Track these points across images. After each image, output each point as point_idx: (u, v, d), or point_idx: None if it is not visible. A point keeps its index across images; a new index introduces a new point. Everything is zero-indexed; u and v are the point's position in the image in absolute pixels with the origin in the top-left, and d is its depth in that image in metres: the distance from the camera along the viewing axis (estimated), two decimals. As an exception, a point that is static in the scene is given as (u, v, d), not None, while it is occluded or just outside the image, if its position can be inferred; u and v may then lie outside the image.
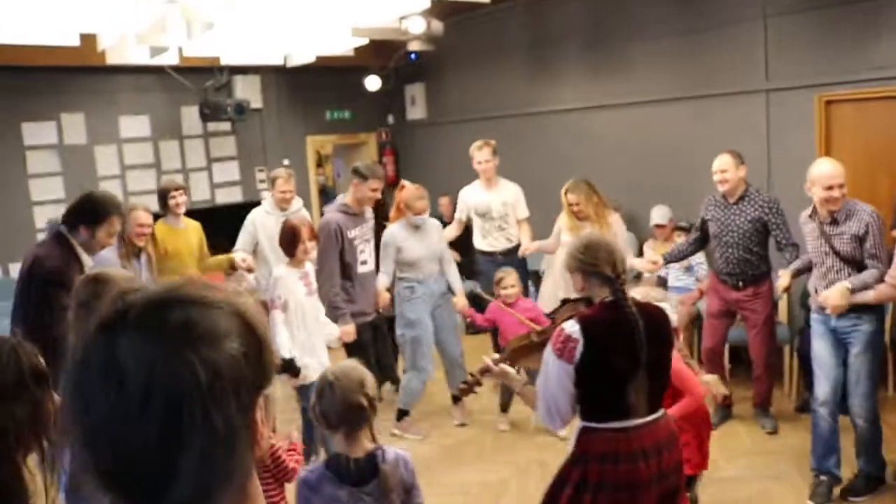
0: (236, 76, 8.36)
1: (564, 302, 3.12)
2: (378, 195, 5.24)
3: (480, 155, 6.20)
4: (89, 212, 3.83)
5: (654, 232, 6.58)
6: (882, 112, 5.61)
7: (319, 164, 10.38)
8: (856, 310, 4.00)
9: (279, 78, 8.75)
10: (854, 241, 4.04)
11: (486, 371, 3.15)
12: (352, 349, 4.90)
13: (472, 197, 6.32)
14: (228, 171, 8.71)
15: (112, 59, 6.54)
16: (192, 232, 5.65)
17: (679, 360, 3.38)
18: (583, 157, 7.31)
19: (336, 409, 2.49)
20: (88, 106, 7.76)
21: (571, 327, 2.69)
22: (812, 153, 5.87)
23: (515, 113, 8.07)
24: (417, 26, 6.21)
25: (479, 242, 6.34)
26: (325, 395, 2.51)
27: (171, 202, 5.58)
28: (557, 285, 5.59)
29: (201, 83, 7.85)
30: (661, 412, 2.79)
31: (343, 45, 7.06)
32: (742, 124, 6.20)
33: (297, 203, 6.19)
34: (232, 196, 8.68)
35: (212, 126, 8.39)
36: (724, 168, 4.97)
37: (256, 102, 8.63)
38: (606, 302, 2.77)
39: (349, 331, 4.97)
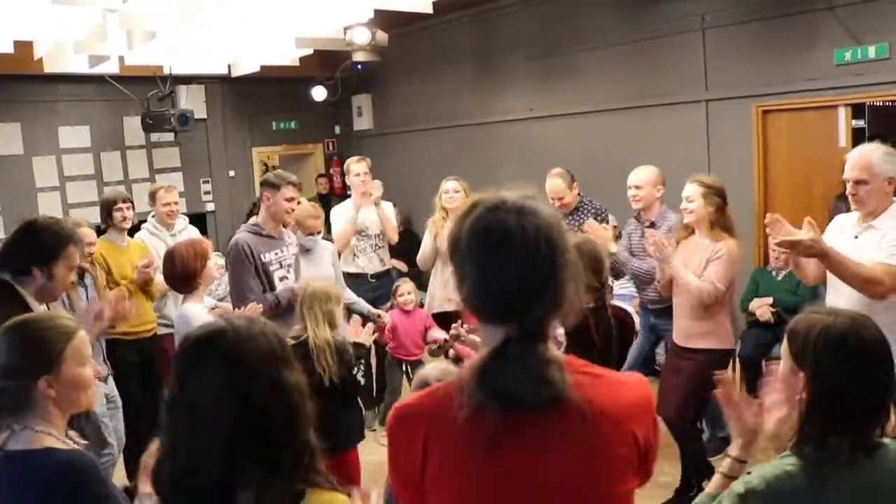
0: (180, 86, 8.24)
1: None
2: (295, 205, 4.47)
3: (358, 167, 5.84)
4: (40, 247, 3.01)
5: (599, 240, 6.67)
6: (815, 121, 5.79)
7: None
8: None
9: (224, 88, 8.66)
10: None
11: (457, 338, 3.21)
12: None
13: (347, 213, 5.87)
14: (172, 183, 8.52)
15: (50, 68, 6.40)
16: (136, 252, 5.00)
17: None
18: (529, 166, 7.34)
19: None
20: (25, 115, 7.58)
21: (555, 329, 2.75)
22: (750, 161, 6.04)
23: (462, 123, 8.11)
24: (362, 37, 6.20)
25: (349, 265, 5.80)
26: None
27: (117, 215, 4.96)
28: (447, 285, 5.52)
29: (144, 93, 7.72)
30: None
31: (287, 54, 7.03)
32: (683, 133, 6.33)
33: (183, 221, 5.68)
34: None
35: (155, 137, 8.25)
36: (560, 194, 5.13)
37: (201, 113, 8.52)
38: (588, 308, 2.80)
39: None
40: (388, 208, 6.16)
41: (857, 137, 6.38)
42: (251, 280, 4.15)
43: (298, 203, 4.44)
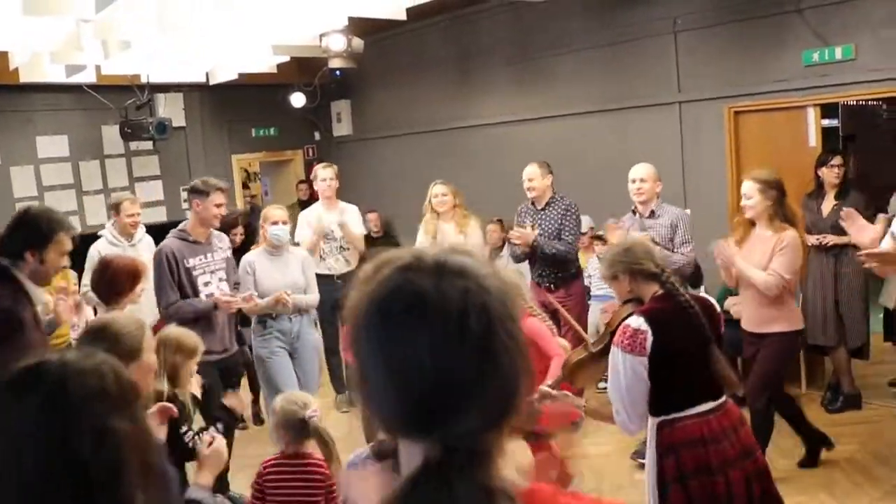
0: (158, 94, 8.26)
1: None
2: (223, 210, 4.62)
3: (325, 173, 6.02)
4: (33, 233, 3.24)
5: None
6: (785, 122, 5.89)
7: (245, 185, 10.27)
8: None
9: (203, 96, 8.67)
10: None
11: (545, 398, 3.03)
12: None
13: (314, 218, 6.03)
14: (152, 191, 8.58)
15: (26, 78, 6.41)
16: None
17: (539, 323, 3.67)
18: (506, 169, 7.41)
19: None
20: (1, 126, 7.56)
21: (636, 322, 2.76)
22: (722, 162, 6.13)
23: (440, 128, 8.17)
24: (337, 44, 6.23)
25: (316, 266, 5.82)
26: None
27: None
28: None
29: (121, 101, 7.73)
30: (725, 395, 2.88)
31: (265, 62, 7.06)
32: (657, 135, 6.42)
33: (141, 231, 5.65)
34: (157, 216, 8.52)
35: (134, 145, 8.25)
36: (531, 177, 5.39)
37: (180, 121, 8.54)
38: (658, 295, 2.87)
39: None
40: (353, 212, 6.26)
41: (828, 137, 6.50)
42: (168, 287, 4.32)
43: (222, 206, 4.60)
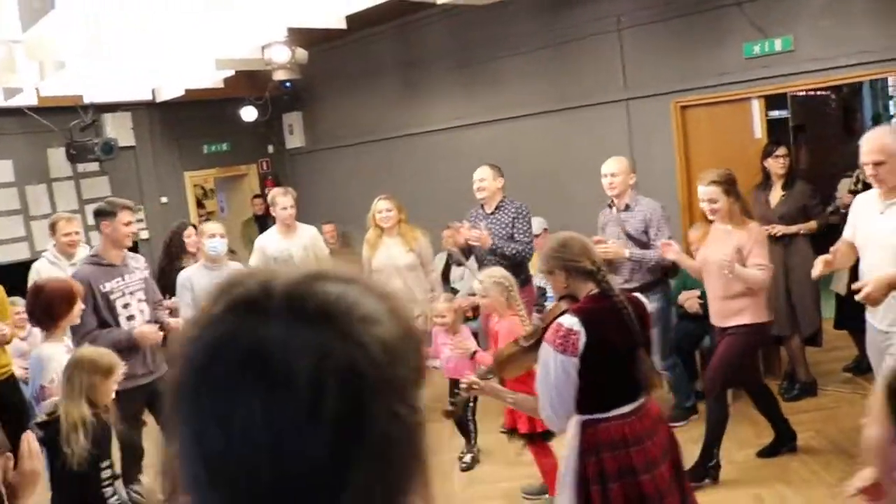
0: (105, 114, 8.12)
1: None
2: (133, 228, 4.50)
3: (284, 200, 5.81)
4: None
5: (531, 243, 6.72)
6: (730, 114, 5.93)
7: (201, 204, 10.13)
8: (643, 289, 4.42)
9: (151, 114, 8.55)
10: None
11: (470, 388, 3.15)
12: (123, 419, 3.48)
13: (270, 245, 5.84)
14: (103, 212, 8.41)
15: (-37, 103, 6.28)
16: None
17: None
18: (456, 174, 7.38)
19: None
20: (-58, 152, 7.40)
21: (569, 321, 2.74)
22: (672, 156, 6.16)
23: (389, 136, 8.15)
24: (281, 55, 6.17)
25: None
26: None
27: None
28: None
29: (66, 123, 7.58)
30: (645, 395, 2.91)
31: (210, 77, 6.98)
32: (606, 133, 6.43)
33: (84, 250, 5.41)
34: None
35: (81, 167, 8.10)
36: (482, 178, 5.38)
37: (129, 140, 8.40)
38: (593, 294, 2.86)
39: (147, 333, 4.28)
40: (315, 237, 6.13)
41: (777, 128, 6.56)
42: (86, 315, 4.13)
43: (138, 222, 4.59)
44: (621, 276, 4.97)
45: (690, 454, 4.12)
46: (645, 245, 4.97)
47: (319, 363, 0.64)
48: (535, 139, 6.93)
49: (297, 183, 9.39)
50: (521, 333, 3.75)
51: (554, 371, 2.74)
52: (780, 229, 5.37)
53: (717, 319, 4.40)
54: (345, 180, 8.69)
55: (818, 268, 3.80)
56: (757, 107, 5.83)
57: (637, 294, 3.16)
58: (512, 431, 4.17)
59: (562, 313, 2.84)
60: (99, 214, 4.44)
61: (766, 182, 5.55)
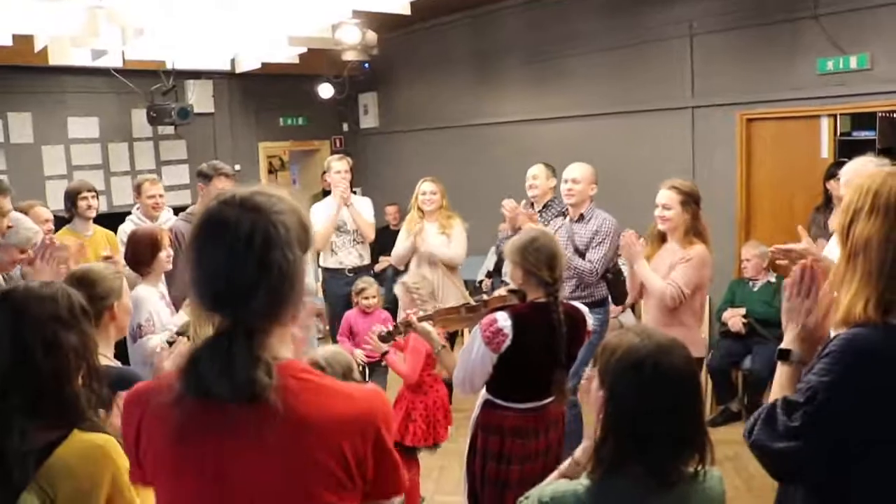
0: (188, 81, 8.43)
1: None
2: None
3: (339, 165, 5.98)
4: None
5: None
6: (798, 131, 5.72)
7: (272, 171, 10.42)
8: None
9: (231, 83, 8.81)
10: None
11: (407, 324, 3.38)
12: None
13: (326, 211, 6.01)
14: (178, 175, 8.76)
15: (54, 60, 6.59)
16: (101, 241, 5.17)
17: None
18: (520, 168, 7.36)
19: None
20: (35, 105, 7.81)
21: (504, 321, 2.90)
22: (734, 169, 6.00)
23: (458, 124, 8.18)
24: (351, 36, 6.26)
25: (328, 260, 6.05)
26: None
27: (82, 204, 5.18)
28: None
29: (149, 86, 7.91)
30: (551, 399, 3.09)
31: (284, 52, 7.14)
32: (669, 139, 6.31)
33: (168, 213, 5.72)
34: (181, 199, 8.69)
35: (161, 129, 8.44)
36: (536, 176, 5.32)
37: (209, 107, 8.70)
38: (539, 303, 2.99)
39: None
40: (366, 204, 6.24)
41: (843, 148, 6.28)
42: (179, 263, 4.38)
43: None
44: (566, 289, 4.66)
45: None
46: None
47: (252, 227, 1.29)
48: (599, 140, 6.85)
49: (368, 162, 9.56)
50: (423, 347, 4.03)
51: (475, 354, 2.95)
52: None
53: None
54: (413, 164, 8.77)
55: None
56: (826, 125, 5.61)
57: (580, 306, 3.21)
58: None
59: (504, 307, 3.00)
60: (199, 175, 4.86)
61: (826, 204, 5.36)
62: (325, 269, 6.10)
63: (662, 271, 3.97)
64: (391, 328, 3.56)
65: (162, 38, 6.06)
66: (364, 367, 5.24)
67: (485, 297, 3.26)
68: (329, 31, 6.41)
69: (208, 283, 1.31)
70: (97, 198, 5.26)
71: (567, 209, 5.18)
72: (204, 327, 3.03)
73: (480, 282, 7.19)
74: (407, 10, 5.42)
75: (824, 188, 5.35)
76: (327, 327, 6.44)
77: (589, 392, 1.80)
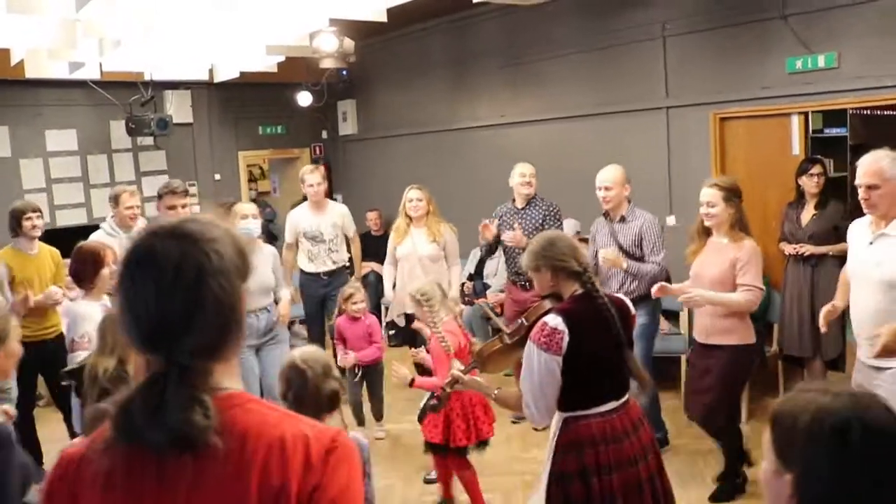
0: (166, 91, 8.46)
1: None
2: (178, 211, 4.98)
3: (312, 178, 6.12)
4: None
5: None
6: (769, 129, 5.83)
7: (252, 180, 10.44)
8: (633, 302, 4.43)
9: (210, 93, 8.84)
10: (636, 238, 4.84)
11: (455, 383, 3.21)
12: None
13: (301, 221, 6.23)
14: (158, 186, 8.73)
15: (31, 73, 6.59)
16: (46, 259, 5.26)
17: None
18: (497, 171, 7.45)
19: (310, 395, 2.55)
20: (12, 119, 7.81)
21: (554, 320, 2.78)
22: (708, 167, 6.09)
23: (437, 129, 8.26)
24: (328, 45, 6.32)
25: (305, 265, 6.26)
26: (295, 380, 2.58)
27: (26, 224, 5.17)
28: (405, 288, 5.73)
29: (127, 98, 7.92)
30: (628, 394, 2.96)
31: (262, 61, 7.18)
32: (645, 139, 6.40)
33: (142, 223, 5.64)
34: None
35: (140, 140, 8.45)
36: (532, 174, 5.60)
37: (188, 117, 8.72)
38: (578, 294, 2.90)
39: None
40: (345, 215, 6.41)
41: (815, 145, 6.41)
42: None
43: (184, 206, 5.13)
44: (610, 288, 4.83)
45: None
46: (638, 258, 4.87)
47: (181, 257, 1.20)
48: (576, 142, 6.95)
49: (348, 169, 9.62)
50: (443, 354, 3.98)
51: (538, 369, 2.78)
52: (808, 249, 5.28)
53: (701, 335, 4.27)
54: (392, 169, 8.85)
55: (823, 322, 3.71)
56: (797, 123, 5.73)
57: (620, 296, 3.17)
58: (432, 446, 4.26)
59: (546, 312, 2.87)
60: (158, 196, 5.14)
61: (799, 200, 5.46)
62: (303, 273, 6.32)
63: (713, 266, 4.15)
64: (438, 396, 3.43)
65: (139, 50, 6.09)
66: (359, 370, 5.36)
67: (521, 320, 3.10)
68: (306, 39, 6.45)
69: (137, 323, 1.21)
70: (41, 217, 5.29)
71: (554, 205, 5.62)
72: (104, 361, 3.14)
73: (462, 285, 7.25)
74: (384, 18, 5.49)
75: (796, 184, 5.44)
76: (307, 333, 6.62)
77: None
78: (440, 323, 4.23)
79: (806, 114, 5.73)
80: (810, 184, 5.36)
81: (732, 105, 5.90)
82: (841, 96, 5.34)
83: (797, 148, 5.75)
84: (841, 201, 5.50)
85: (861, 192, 3.44)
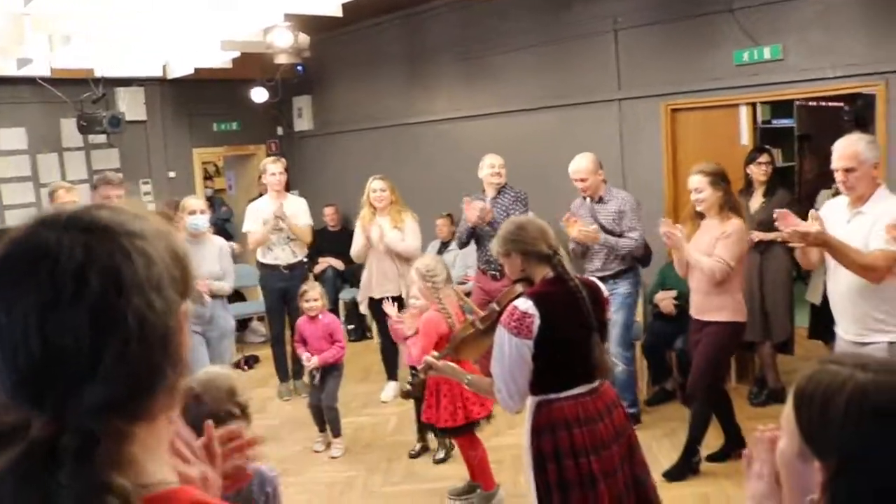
0: (119, 88, 8.33)
1: None
2: (112, 202, 4.89)
3: (273, 167, 6.31)
4: None
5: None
6: (719, 119, 5.98)
7: (207, 177, 10.35)
8: (616, 276, 4.94)
9: (163, 90, 8.74)
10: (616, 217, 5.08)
11: (429, 368, 3.20)
12: None
13: (263, 210, 6.31)
14: (111, 184, 8.63)
15: (-23, 70, 6.49)
16: None
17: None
18: (454, 164, 7.53)
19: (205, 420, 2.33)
20: (-42, 118, 7.64)
21: (524, 304, 2.78)
22: (661, 157, 6.23)
23: (393, 123, 8.28)
24: (282, 40, 6.30)
25: (265, 256, 6.30)
26: (191, 408, 2.23)
27: None
28: (386, 275, 5.88)
29: (78, 95, 7.78)
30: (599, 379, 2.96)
31: (217, 57, 7.13)
32: (598, 131, 6.51)
33: None
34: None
35: (92, 139, 8.31)
36: (501, 164, 5.72)
37: (140, 115, 8.61)
38: (549, 278, 2.90)
39: None
40: (302, 206, 6.42)
41: (764, 136, 6.59)
42: None
43: (118, 197, 4.91)
44: (594, 265, 5.14)
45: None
46: (618, 235, 5.12)
47: (85, 257, 0.79)
48: (530, 134, 7.03)
49: (304, 165, 9.58)
50: (439, 328, 3.99)
51: (509, 354, 2.79)
52: (757, 236, 5.42)
53: (696, 312, 4.50)
54: (349, 164, 8.85)
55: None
56: (745, 113, 5.88)
57: (593, 278, 3.21)
58: (432, 428, 4.30)
59: (517, 296, 2.87)
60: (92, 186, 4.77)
61: (747, 188, 5.60)
62: (262, 265, 6.36)
63: (703, 246, 4.35)
64: (413, 382, 3.48)
65: (90, 46, 6.02)
66: (317, 372, 5.28)
67: (493, 305, 3.09)
68: (261, 34, 6.43)
69: (11, 357, 0.78)
70: None
71: (522, 192, 5.81)
72: None
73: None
74: (339, 12, 5.50)
75: (745, 173, 5.59)
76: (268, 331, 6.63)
77: (755, 466, 1.31)
78: (445, 299, 4.24)
79: (754, 105, 5.90)
80: (758, 172, 5.51)
81: (683, 97, 6.04)
82: (786, 87, 5.50)
83: (745, 138, 5.91)
84: (788, 190, 5.66)
85: (839, 176, 3.57)
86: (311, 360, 5.12)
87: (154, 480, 0.83)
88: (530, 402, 2.91)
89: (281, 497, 2.30)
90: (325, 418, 5.32)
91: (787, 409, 1.15)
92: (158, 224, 0.89)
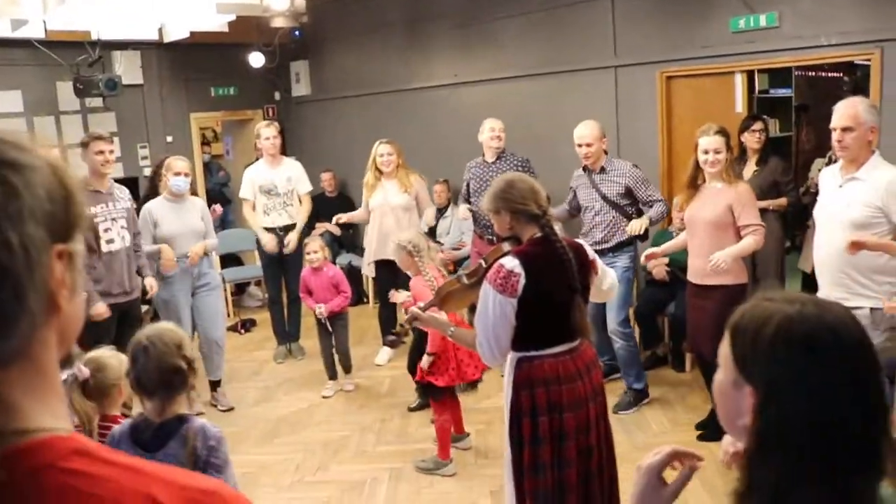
0: (115, 52, 8.31)
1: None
2: (106, 156, 4.85)
3: (267, 131, 6.35)
4: None
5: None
6: (714, 87, 5.98)
7: (206, 143, 10.34)
8: (615, 249, 5.11)
9: (160, 54, 8.70)
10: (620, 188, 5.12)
11: (414, 319, 3.25)
12: (90, 332, 3.68)
13: (258, 175, 6.42)
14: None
15: (-28, 32, 6.48)
16: None
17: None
18: (453, 129, 7.55)
19: (151, 375, 2.34)
20: (-46, 80, 7.62)
21: (511, 263, 2.82)
22: (656, 125, 6.24)
23: (391, 89, 8.26)
24: (279, 3, 6.29)
25: (263, 220, 6.39)
26: (139, 359, 2.37)
27: None
28: (387, 238, 5.85)
29: (74, 58, 7.76)
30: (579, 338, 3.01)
31: (214, 20, 7.11)
32: (594, 98, 6.51)
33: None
34: (113, 172, 8.61)
35: (89, 102, 8.30)
36: (502, 128, 5.80)
37: (137, 78, 8.58)
38: (536, 238, 2.92)
39: (100, 311, 4.61)
40: (297, 168, 6.58)
41: (762, 105, 6.59)
42: None
43: (111, 152, 4.89)
44: (594, 237, 5.16)
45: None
46: (621, 207, 5.16)
47: None
48: (528, 100, 7.03)
49: (302, 130, 9.58)
50: (426, 294, 4.01)
51: (492, 310, 2.83)
52: (749, 203, 5.47)
53: (697, 278, 4.42)
54: (347, 130, 8.85)
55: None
56: (740, 81, 5.88)
57: (579, 241, 3.23)
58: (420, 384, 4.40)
59: (504, 254, 2.91)
60: (80, 145, 4.93)
61: (741, 156, 5.63)
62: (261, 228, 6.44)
63: (708, 209, 4.31)
64: (397, 332, 3.58)
65: (85, 8, 6.01)
66: (325, 321, 5.52)
67: (480, 262, 3.12)
68: (256, -3, 6.42)
69: None
70: None
71: (524, 159, 5.87)
72: None
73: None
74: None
75: (739, 141, 5.61)
76: (266, 295, 6.73)
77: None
78: (428, 268, 4.35)
79: (750, 73, 5.89)
80: (752, 140, 5.55)
81: (679, 64, 6.03)
82: (781, 55, 5.50)
83: (740, 106, 5.91)
84: (782, 158, 5.69)
85: (836, 135, 3.62)
86: (320, 308, 5.45)
87: (34, 426, 0.76)
88: (511, 357, 2.96)
89: (225, 446, 2.34)
90: (339, 361, 5.71)
91: (724, 343, 1.21)
92: (47, 159, 0.79)
